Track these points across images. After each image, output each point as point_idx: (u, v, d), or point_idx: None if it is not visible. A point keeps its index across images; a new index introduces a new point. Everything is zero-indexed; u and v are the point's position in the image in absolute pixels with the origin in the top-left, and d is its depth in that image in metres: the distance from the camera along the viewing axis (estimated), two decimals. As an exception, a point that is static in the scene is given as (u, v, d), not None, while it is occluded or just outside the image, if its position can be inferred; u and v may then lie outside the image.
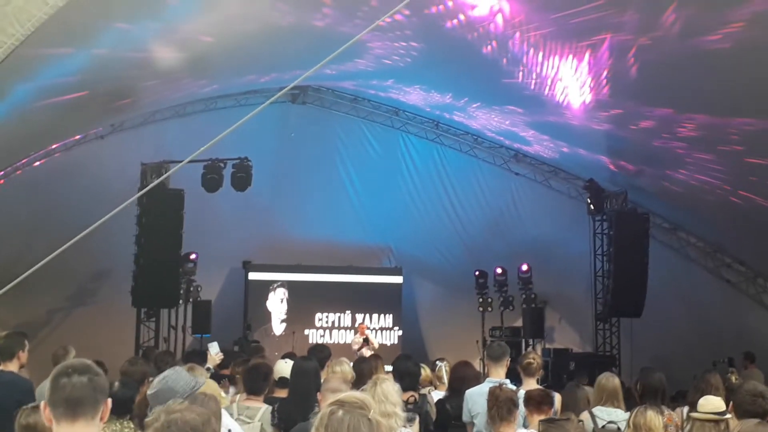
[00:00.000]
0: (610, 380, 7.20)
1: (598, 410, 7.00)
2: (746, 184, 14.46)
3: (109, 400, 3.22)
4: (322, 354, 9.09)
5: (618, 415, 6.94)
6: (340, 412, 2.83)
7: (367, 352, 14.65)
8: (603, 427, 6.67)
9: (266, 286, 20.23)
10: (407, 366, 7.75)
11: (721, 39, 10.11)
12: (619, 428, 6.64)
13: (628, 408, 6.45)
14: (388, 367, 9.39)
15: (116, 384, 6.22)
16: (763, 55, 10.07)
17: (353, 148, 20.42)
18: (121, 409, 5.91)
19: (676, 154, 14.87)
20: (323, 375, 7.77)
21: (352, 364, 8.65)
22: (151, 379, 7.85)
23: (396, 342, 20.61)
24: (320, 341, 19.69)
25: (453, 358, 9.75)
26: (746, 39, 9.86)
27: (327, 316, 20.62)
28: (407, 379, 7.50)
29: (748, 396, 5.46)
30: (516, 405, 6.16)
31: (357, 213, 20.65)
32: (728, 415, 5.63)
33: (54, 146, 15.94)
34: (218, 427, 4.81)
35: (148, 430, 3.28)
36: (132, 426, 5.91)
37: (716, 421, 5.56)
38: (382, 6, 10.33)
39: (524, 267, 19.64)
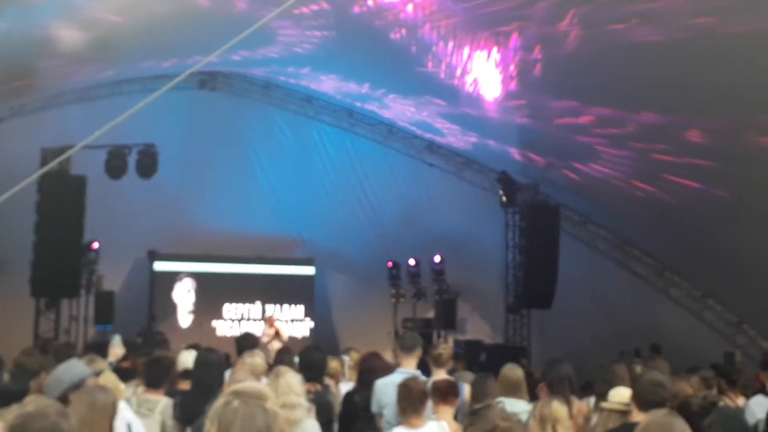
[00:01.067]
0: (515, 372, 7.18)
1: (500, 401, 6.97)
2: (653, 178, 14.67)
3: None
4: (248, 343, 8.95)
5: (521, 406, 6.91)
6: (236, 403, 2.79)
7: (276, 345, 14.36)
8: None
9: (172, 277, 19.78)
10: (313, 357, 7.68)
11: (628, 32, 10.19)
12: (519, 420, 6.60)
13: (533, 400, 6.40)
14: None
15: (5, 376, 6.02)
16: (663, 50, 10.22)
17: (265, 136, 20.14)
18: (10, 402, 5.68)
19: (585, 147, 15.04)
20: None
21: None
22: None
23: (307, 334, 20.40)
24: (229, 333, 19.38)
25: (365, 349, 9.71)
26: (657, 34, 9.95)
27: (236, 308, 20.27)
28: (312, 370, 7.41)
29: (648, 386, 5.44)
30: (427, 396, 6.13)
31: (269, 202, 20.34)
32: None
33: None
34: (110, 421, 4.64)
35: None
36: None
37: (623, 412, 5.61)
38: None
39: (437, 258, 19.70)
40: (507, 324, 19.11)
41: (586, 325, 17.91)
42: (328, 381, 8.28)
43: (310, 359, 7.63)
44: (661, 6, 9.58)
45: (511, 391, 7.00)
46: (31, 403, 3.57)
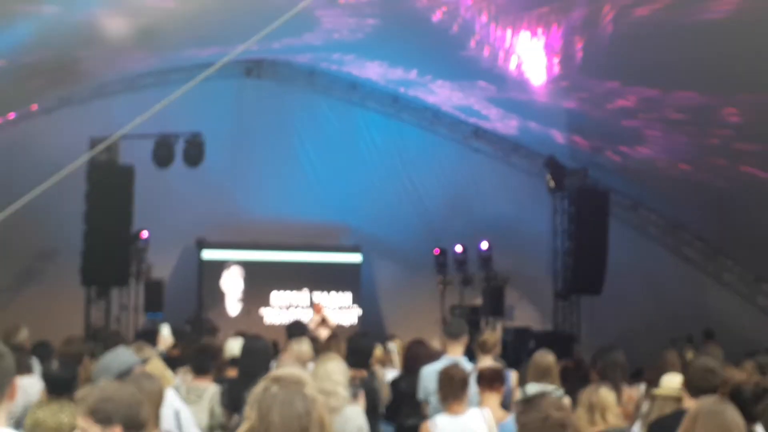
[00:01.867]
0: (545, 357, 7.22)
1: (530, 387, 6.97)
2: (707, 162, 14.47)
3: (16, 379, 3.08)
4: (297, 330, 9.18)
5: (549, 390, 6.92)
6: (275, 388, 2.82)
7: (324, 332, 14.41)
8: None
9: (221, 265, 19.90)
10: (360, 343, 7.77)
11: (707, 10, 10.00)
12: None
13: (581, 386, 6.35)
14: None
15: (55, 364, 6.10)
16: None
17: (310, 123, 20.12)
18: (61, 389, 5.82)
19: (632, 130, 14.89)
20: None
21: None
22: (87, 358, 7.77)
23: (355, 321, 20.44)
24: (277, 321, 19.49)
25: (412, 336, 9.71)
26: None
27: (284, 295, 20.35)
28: (359, 356, 7.50)
29: (699, 372, 5.40)
30: (468, 383, 6.16)
31: (314, 190, 20.36)
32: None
33: (0, 120, 15.52)
34: (156, 409, 4.69)
35: (80, 405, 3.40)
36: (71, 407, 5.71)
37: (677, 398, 5.56)
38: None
39: (484, 245, 19.59)
40: (556, 311, 18.96)
41: (636, 311, 17.75)
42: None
43: (356, 345, 7.71)
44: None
45: (542, 376, 7.04)
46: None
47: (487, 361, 7.60)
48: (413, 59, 16.16)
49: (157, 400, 4.71)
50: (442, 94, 18.12)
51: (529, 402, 3.29)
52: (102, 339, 10.43)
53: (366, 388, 7.05)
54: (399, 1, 12.18)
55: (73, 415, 5.58)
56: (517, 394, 7.11)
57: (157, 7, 11.07)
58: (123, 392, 3.43)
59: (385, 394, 7.78)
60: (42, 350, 8.38)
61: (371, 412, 7.14)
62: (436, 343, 11.56)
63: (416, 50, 15.15)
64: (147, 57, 14.79)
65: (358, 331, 8.70)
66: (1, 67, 11.01)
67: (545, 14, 11.62)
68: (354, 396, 6.06)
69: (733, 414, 4.05)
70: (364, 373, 7.36)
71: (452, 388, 6.02)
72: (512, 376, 8.00)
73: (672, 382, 5.80)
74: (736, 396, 5.19)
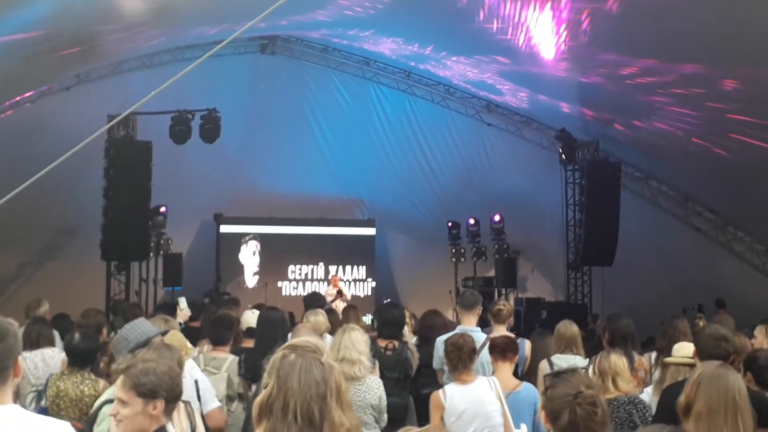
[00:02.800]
0: (569, 328, 7.31)
1: (556, 358, 7.11)
2: (716, 133, 14.49)
3: (20, 358, 3.10)
4: (315, 302, 9.22)
5: (577, 361, 7.01)
6: (293, 356, 2.85)
7: (340, 304, 14.64)
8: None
9: (238, 239, 20.12)
10: (391, 314, 7.77)
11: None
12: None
13: (591, 354, 6.46)
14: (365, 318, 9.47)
15: (76, 336, 6.16)
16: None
17: (324, 99, 20.23)
18: (82, 360, 5.99)
19: (645, 103, 14.89)
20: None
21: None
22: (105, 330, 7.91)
23: (369, 293, 20.66)
24: (293, 293, 19.72)
25: (426, 307, 9.78)
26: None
27: (300, 269, 20.56)
28: (391, 327, 7.58)
29: (711, 340, 5.43)
30: (476, 353, 6.18)
31: (329, 165, 20.52)
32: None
33: (19, 98, 15.67)
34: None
35: (120, 375, 3.50)
36: (92, 377, 5.90)
37: (691, 365, 5.56)
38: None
39: (497, 217, 19.72)
40: (568, 282, 19.09)
41: (648, 282, 17.85)
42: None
43: (388, 316, 7.75)
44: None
45: (567, 346, 7.13)
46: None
47: (501, 331, 7.66)
48: (428, 35, 16.19)
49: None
50: (455, 69, 18.13)
51: (559, 376, 3.32)
52: (121, 311, 10.59)
53: (397, 358, 7.23)
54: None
55: (93, 386, 5.81)
56: (542, 365, 7.18)
57: None
58: (162, 365, 3.54)
59: (416, 362, 7.78)
60: (61, 322, 8.56)
61: (403, 381, 7.33)
62: (449, 315, 11.80)
63: (430, 26, 15.18)
64: (162, 34, 14.85)
65: (388, 301, 8.57)
66: (19, 45, 11.08)
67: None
68: (371, 366, 6.16)
69: (735, 378, 4.12)
70: (395, 342, 7.44)
71: (460, 358, 6.03)
72: (526, 345, 8.05)
73: (684, 349, 5.84)
74: (750, 364, 5.32)
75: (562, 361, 6.96)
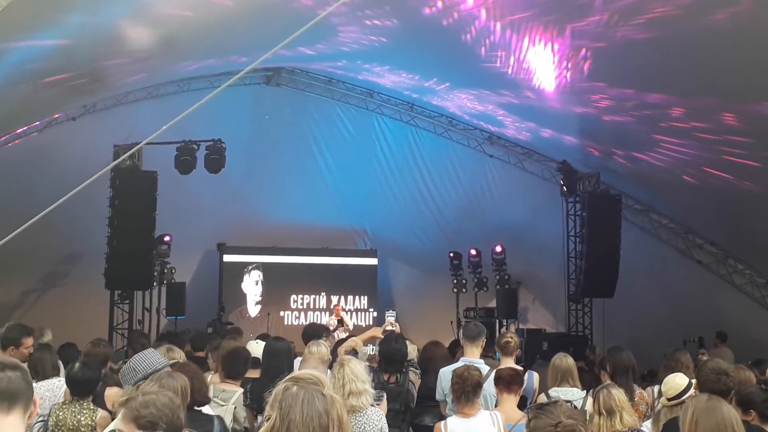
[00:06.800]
0: (564, 360, 7.32)
1: (554, 391, 7.11)
2: (715, 167, 14.59)
3: (37, 398, 3.17)
4: (314, 332, 9.18)
5: (574, 393, 7.04)
6: (295, 388, 2.91)
7: (342, 334, 14.68)
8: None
9: (241, 268, 20.22)
10: (392, 349, 7.65)
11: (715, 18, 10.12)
12: (574, 405, 6.70)
13: (591, 386, 6.49)
14: (368, 348, 9.47)
15: (77, 366, 6.21)
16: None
17: (327, 130, 20.37)
18: (81, 390, 6.04)
19: (647, 135, 14.98)
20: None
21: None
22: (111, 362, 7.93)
23: (371, 323, 20.65)
24: (296, 323, 19.78)
25: (428, 338, 9.81)
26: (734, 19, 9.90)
27: (302, 298, 20.66)
28: (393, 363, 7.51)
29: (712, 374, 5.50)
30: (481, 386, 6.24)
31: (332, 195, 20.66)
32: (692, 391, 5.68)
33: (26, 128, 15.81)
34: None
35: (122, 408, 3.46)
36: (91, 407, 5.96)
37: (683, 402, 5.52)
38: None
39: (498, 248, 19.79)
40: (569, 313, 19.09)
41: (648, 314, 17.85)
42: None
43: (390, 351, 7.63)
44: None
45: (563, 379, 7.14)
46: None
47: (508, 363, 7.68)
48: (431, 68, 16.32)
49: (182, 399, 4.66)
50: (458, 101, 18.27)
51: (542, 408, 3.42)
52: (130, 341, 10.64)
53: (399, 390, 7.24)
54: (413, 10, 12.33)
55: (91, 416, 5.87)
56: (539, 397, 7.24)
57: (176, 15, 11.21)
58: (163, 397, 3.53)
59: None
60: (67, 352, 8.62)
61: (403, 413, 7.33)
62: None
63: (433, 59, 15.32)
64: (168, 65, 15.01)
65: (388, 335, 8.57)
66: (27, 75, 11.20)
67: (554, 21, 11.76)
68: (378, 399, 6.16)
69: (728, 409, 4.22)
70: (396, 375, 7.44)
71: (464, 390, 6.09)
72: (534, 377, 8.05)
73: (672, 388, 5.82)
74: (745, 402, 5.33)
75: (560, 393, 6.97)
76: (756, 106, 11.87)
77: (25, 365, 3.18)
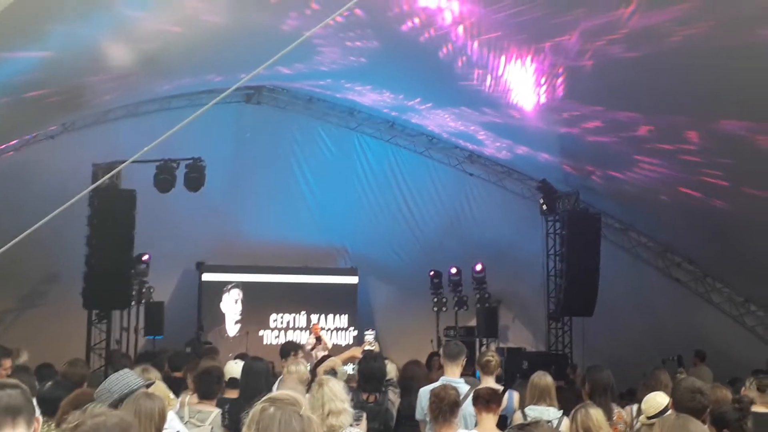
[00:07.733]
0: (542, 378, 7.31)
1: (530, 410, 7.11)
2: (694, 184, 14.68)
3: (40, 418, 3.19)
4: (291, 348, 9.16)
5: (550, 413, 7.04)
6: (272, 409, 2.88)
7: (320, 353, 14.63)
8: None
9: (220, 287, 20.13)
10: (371, 367, 7.67)
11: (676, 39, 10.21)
12: (550, 423, 6.71)
13: (571, 405, 6.50)
14: (347, 367, 9.43)
15: (47, 384, 6.17)
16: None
17: (308, 148, 20.35)
18: (47, 410, 5.83)
19: (625, 154, 15.08)
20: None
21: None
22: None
23: (351, 342, 20.59)
24: (275, 342, 19.69)
25: (408, 357, 9.80)
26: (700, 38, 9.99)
27: (282, 317, 20.58)
28: (372, 382, 7.51)
29: (687, 392, 5.49)
30: (458, 406, 6.21)
31: (312, 213, 20.62)
32: (669, 412, 5.70)
33: (3, 146, 15.68)
34: (157, 429, 4.76)
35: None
36: (53, 428, 5.86)
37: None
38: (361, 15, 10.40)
39: (478, 267, 19.82)
40: (549, 332, 19.13)
41: (628, 332, 17.91)
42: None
43: (369, 370, 7.64)
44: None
45: (540, 397, 7.14)
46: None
47: (489, 382, 7.70)
48: (411, 87, 16.36)
49: (158, 421, 4.75)
50: (438, 120, 18.33)
51: (522, 428, 3.43)
52: (111, 362, 10.55)
53: (378, 409, 7.21)
54: (394, 29, 12.36)
55: (56, 436, 5.78)
56: (515, 416, 7.25)
57: (162, 31, 11.14)
58: (112, 418, 3.36)
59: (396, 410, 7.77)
60: (45, 372, 8.54)
61: None
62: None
63: (413, 78, 15.35)
64: (150, 83, 14.95)
65: (366, 354, 8.51)
66: (4, 92, 11.10)
67: (528, 41, 11.83)
68: (357, 419, 6.12)
69: (696, 427, 4.24)
70: (375, 394, 7.43)
71: (440, 410, 6.07)
72: (515, 396, 8.08)
73: (651, 407, 5.87)
74: (719, 421, 5.38)
75: (536, 412, 6.97)
76: (734, 124, 11.96)
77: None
